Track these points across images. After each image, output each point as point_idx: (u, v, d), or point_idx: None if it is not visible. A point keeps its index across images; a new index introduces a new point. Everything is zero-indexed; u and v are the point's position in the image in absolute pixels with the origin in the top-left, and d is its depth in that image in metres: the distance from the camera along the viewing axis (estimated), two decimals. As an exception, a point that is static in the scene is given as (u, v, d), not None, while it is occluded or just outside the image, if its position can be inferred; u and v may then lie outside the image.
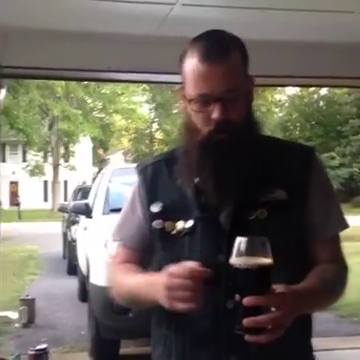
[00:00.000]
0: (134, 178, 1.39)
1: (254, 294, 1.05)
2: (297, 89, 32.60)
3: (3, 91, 2.73)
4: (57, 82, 26.00)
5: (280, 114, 35.73)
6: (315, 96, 35.18)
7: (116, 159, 40.07)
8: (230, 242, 1.18)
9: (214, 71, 1.22)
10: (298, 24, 2.62)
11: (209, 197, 1.25)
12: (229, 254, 1.14)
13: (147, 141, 40.20)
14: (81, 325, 5.71)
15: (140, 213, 1.36)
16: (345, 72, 2.99)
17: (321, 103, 35.10)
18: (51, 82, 25.78)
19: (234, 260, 1.08)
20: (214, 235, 1.25)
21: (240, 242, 1.07)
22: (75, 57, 2.84)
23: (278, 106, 35.98)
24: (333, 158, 29.16)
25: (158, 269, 1.26)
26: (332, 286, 1.26)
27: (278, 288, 1.09)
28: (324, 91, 34.38)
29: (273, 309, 1.07)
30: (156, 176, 1.36)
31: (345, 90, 31.00)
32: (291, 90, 33.54)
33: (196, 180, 1.27)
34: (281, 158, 1.30)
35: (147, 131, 40.11)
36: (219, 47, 1.24)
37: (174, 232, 1.28)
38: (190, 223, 1.27)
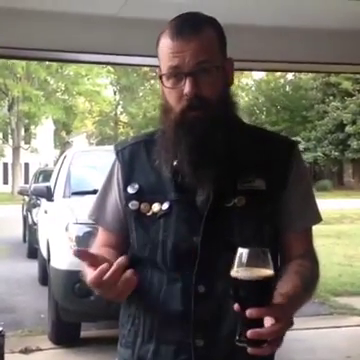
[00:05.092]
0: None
1: (256, 305, 1.04)
2: (263, 74, 32.79)
3: None
4: (17, 62, 25.35)
5: (246, 98, 35.83)
6: (281, 81, 35.49)
7: (79, 142, 39.56)
8: (206, 227, 1.22)
9: (184, 45, 1.22)
10: (264, 8, 2.62)
11: (186, 178, 1.24)
12: (204, 237, 1.19)
13: (112, 124, 39.80)
14: (41, 309, 5.64)
15: (116, 194, 1.35)
16: (311, 57, 3.02)
17: (287, 88, 35.45)
18: (11, 62, 25.12)
19: (235, 272, 1.06)
20: (190, 218, 1.25)
21: (241, 253, 1.06)
22: (37, 37, 2.77)
23: (244, 90, 36.08)
24: (298, 143, 29.69)
25: (134, 251, 1.27)
26: (310, 285, 1.28)
27: (276, 298, 1.09)
28: (290, 76, 34.78)
29: (268, 319, 1.06)
30: (134, 157, 1.34)
31: (311, 75, 31.42)
32: (257, 74, 33.76)
33: (174, 163, 1.26)
34: (263, 147, 1.30)
35: (112, 114, 39.70)
36: (190, 24, 1.24)
37: (149, 214, 1.28)
38: (166, 205, 1.26)
